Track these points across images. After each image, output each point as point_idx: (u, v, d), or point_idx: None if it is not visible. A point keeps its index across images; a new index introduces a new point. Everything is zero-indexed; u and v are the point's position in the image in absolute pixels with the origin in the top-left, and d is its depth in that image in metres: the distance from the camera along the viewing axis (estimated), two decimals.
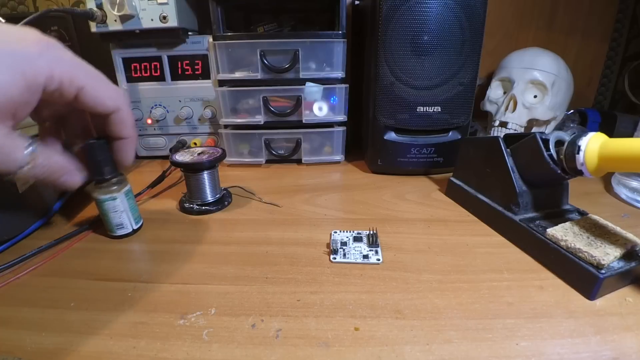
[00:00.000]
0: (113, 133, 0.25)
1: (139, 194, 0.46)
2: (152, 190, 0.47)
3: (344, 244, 0.35)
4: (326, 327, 0.25)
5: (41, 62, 0.18)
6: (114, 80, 0.58)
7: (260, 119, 0.55)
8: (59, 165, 0.23)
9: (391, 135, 0.51)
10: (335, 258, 0.33)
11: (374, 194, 0.48)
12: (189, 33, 0.56)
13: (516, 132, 0.55)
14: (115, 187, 0.34)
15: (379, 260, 0.32)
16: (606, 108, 0.77)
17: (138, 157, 0.60)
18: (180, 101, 0.59)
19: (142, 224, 0.38)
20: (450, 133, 0.52)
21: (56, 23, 0.56)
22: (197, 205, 0.42)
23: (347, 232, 0.37)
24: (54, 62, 0.19)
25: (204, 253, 0.34)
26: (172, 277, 0.31)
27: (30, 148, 0.21)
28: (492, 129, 0.58)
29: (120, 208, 0.35)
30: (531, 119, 0.56)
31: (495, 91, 0.60)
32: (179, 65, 0.57)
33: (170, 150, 0.59)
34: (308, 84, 0.53)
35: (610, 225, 0.32)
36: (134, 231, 0.37)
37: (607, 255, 0.27)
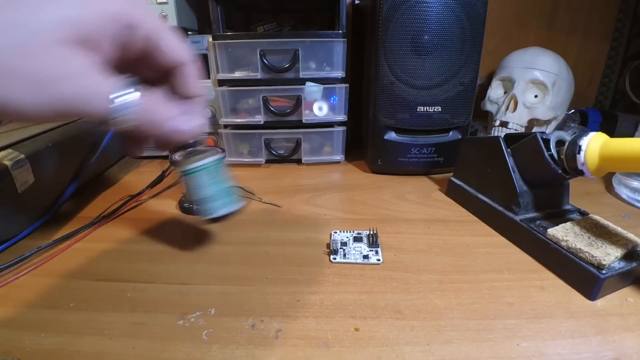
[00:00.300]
0: (179, 91, 0.23)
1: (139, 194, 0.46)
2: (152, 190, 0.47)
3: (344, 244, 0.35)
4: (326, 328, 0.25)
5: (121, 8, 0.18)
6: None
7: (260, 118, 0.55)
8: (159, 106, 0.20)
9: (391, 135, 0.51)
10: (335, 258, 0.33)
11: (374, 194, 0.48)
12: (189, 32, 0.56)
13: (517, 132, 0.55)
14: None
15: (379, 260, 0.32)
16: (607, 108, 0.77)
17: (137, 157, 0.60)
18: None
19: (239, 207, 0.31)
20: (450, 133, 0.52)
21: None
22: (197, 205, 0.42)
23: (347, 232, 0.37)
24: (134, 6, 0.18)
25: (203, 253, 0.34)
26: (172, 277, 0.31)
27: (127, 86, 0.18)
28: (493, 128, 0.58)
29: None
30: (532, 118, 0.56)
31: (495, 91, 0.60)
32: None
33: (170, 150, 0.58)
34: (308, 83, 0.53)
35: (611, 225, 0.32)
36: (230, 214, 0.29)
37: (608, 255, 0.27)
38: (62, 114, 0.17)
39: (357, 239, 0.36)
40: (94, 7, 0.17)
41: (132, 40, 0.19)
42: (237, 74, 0.53)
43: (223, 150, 0.31)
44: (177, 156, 0.28)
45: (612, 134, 0.45)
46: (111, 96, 0.18)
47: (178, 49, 0.21)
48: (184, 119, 0.21)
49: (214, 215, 0.29)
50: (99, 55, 0.18)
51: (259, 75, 0.53)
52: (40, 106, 0.16)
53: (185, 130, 0.21)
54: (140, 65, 0.21)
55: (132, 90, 0.18)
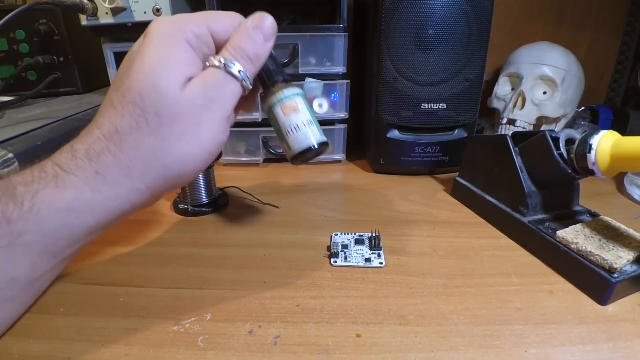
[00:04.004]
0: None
1: None
2: None
3: (345, 246, 0.35)
4: (327, 334, 0.25)
5: (175, 31, 0.21)
6: (105, 76, 0.58)
7: (257, 115, 0.55)
8: (246, 39, 0.24)
9: (394, 133, 0.51)
10: (336, 261, 0.33)
11: (376, 194, 0.48)
12: None
13: (525, 130, 0.55)
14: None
15: (381, 263, 0.32)
16: (618, 105, 0.77)
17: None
18: None
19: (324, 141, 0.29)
20: (455, 131, 0.52)
21: (45, 16, 0.56)
22: (192, 206, 0.42)
23: (348, 234, 0.37)
24: (181, 24, 0.22)
25: (199, 256, 0.34)
26: (166, 281, 0.31)
27: (219, 63, 0.22)
28: (500, 126, 0.58)
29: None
30: (540, 116, 0.56)
31: (502, 87, 0.60)
32: None
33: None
34: (308, 79, 0.53)
35: (622, 227, 0.32)
36: (324, 144, 0.29)
37: (620, 258, 0.27)
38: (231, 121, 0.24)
39: (359, 242, 0.36)
40: (175, 48, 0.21)
41: (205, 41, 0.23)
42: None
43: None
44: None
45: (623, 132, 0.45)
46: (231, 73, 0.22)
47: (229, 20, 0.24)
48: (258, 23, 0.25)
49: (322, 139, 0.28)
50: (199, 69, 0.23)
51: None
52: (215, 138, 0.23)
53: (269, 26, 0.25)
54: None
55: (221, 58, 0.22)
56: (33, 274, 0.20)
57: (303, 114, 0.28)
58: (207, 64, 0.22)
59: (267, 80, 0.28)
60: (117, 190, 0.20)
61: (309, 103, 0.56)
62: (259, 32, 0.24)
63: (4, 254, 0.19)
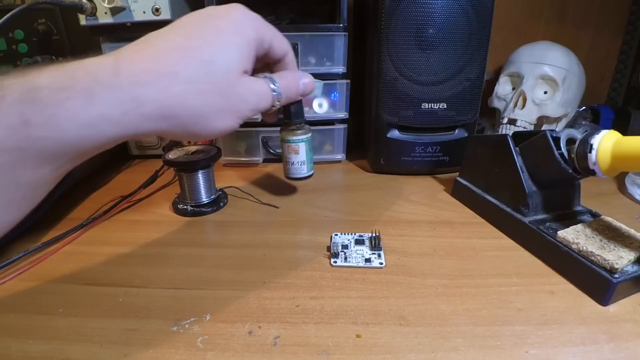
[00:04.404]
0: (284, 67, 0.31)
1: (131, 194, 0.45)
2: (144, 191, 0.47)
3: (345, 247, 0.35)
4: (327, 334, 0.25)
5: (250, 27, 0.25)
6: None
7: (257, 116, 0.55)
8: (292, 78, 0.30)
9: (394, 133, 0.51)
10: (336, 262, 0.33)
11: (376, 194, 0.48)
12: None
13: (525, 129, 0.55)
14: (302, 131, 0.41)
15: (381, 264, 0.32)
16: (620, 105, 0.77)
17: (130, 157, 0.60)
18: None
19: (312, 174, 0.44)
20: (456, 131, 0.52)
21: (44, 15, 0.56)
22: (192, 206, 0.42)
23: (348, 234, 0.37)
24: (258, 26, 0.25)
25: (198, 256, 0.34)
26: (165, 281, 0.31)
27: (267, 78, 0.27)
28: (501, 126, 0.57)
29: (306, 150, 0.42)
30: (541, 116, 0.56)
31: (503, 87, 0.60)
32: None
33: (163, 148, 0.58)
34: None
35: (624, 227, 0.32)
36: (309, 176, 0.43)
37: (621, 258, 0.27)
38: (244, 120, 0.26)
39: (359, 242, 0.36)
40: (244, 39, 0.24)
41: (263, 49, 0.27)
42: None
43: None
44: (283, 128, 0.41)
45: (625, 132, 0.45)
46: (272, 90, 0.27)
47: (284, 44, 0.29)
48: (304, 80, 0.31)
49: (309, 174, 0.43)
50: (251, 69, 0.26)
51: None
52: (232, 123, 0.25)
53: (309, 83, 0.31)
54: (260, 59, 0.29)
55: (272, 79, 0.27)
56: (39, 180, 0.19)
57: (301, 156, 0.42)
58: (263, 76, 0.27)
59: (289, 117, 0.37)
60: (142, 122, 0.21)
61: (310, 104, 0.57)
62: (303, 86, 0.30)
63: (17, 156, 0.18)
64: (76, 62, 0.20)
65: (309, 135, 0.42)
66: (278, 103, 0.28)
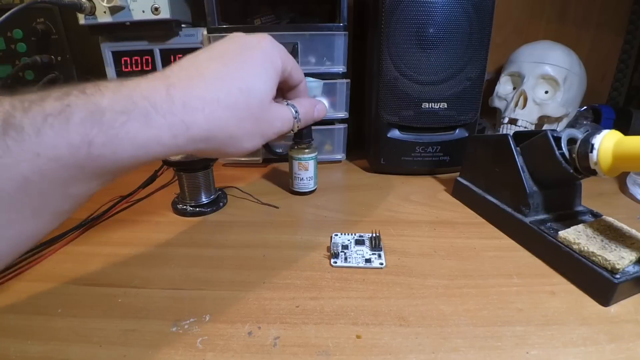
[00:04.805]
0: (298, 94, 0.33)
1: (130, 194, 0.46)
2: (144, 191, 0.47)
3: (345, 247, 0.35)
4: (326, 335, 0.25)
5: (277, 57, 0.27)
6: (103, 75, 0.58)
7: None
8: (309, 105, 0.32)
9: (395, 133, 0.51)
10: (336, 262, 0.33)
11: (376, 194, 0.48)
12: (182, 25, 0.56)
13: (526, 129, 0.55)
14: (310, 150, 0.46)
15: (382, 264, 0.32)
16: (621, 104, 0.77)
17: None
18: None
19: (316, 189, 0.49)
20: (457, 131, 0.52)
21: (42, 15, 0.56)
22: (191, 206, 0.42)
23: (348, 234, 0.37)
24: (282, 56, 0.28)
25: (197, 257, 0.34)
26: (165, 282, 0.31)
27: (290, 105, 0.30)
28: (501, 126, 0.58)
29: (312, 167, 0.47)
30: (542, 115, 0.56)
31: (504, 86, 0.60)
32: (172, 59, 0.57)
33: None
34: (307, 79, 0.53)
35: (625, 227, 0.32)
36: (314, 190, 0.48)
37: (622, 259, 0.27)
38: (266, 141, 0.28)
39: (359, 242, 0.36)
40: (274, 69, 0.27)
41: (284, 77, 0.29)
42: None
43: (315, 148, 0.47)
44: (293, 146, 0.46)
45: (626, 131, 0.45)
46: (294, 117, 0.30)
47: (301, 74, 0.32)
48: (318, 106, 0.33)
49: (315, 188, 0.48)
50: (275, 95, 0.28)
51: None
52: (257, 144, 0.27)
53: (323, 109, 0.34)
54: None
55: (294, 106, 0.30)
56: (87, 192, 0.20)
57: (310, 172, 0.46)
58: (286, 103, 0.30)
59: (301, 137, 0.44)
60: (187, 143, 0.22)
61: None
62: (317, 112, 0.33)
63: (75, 173, 0.19)
64: (131, 83, 0.21)
65: (316, 153, 0.46)
66: (297, 127, 0.31)
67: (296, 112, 0.30)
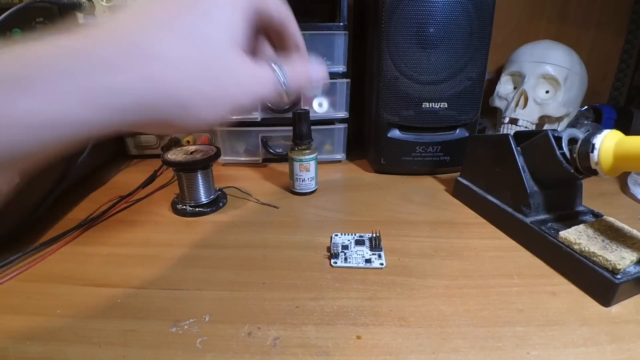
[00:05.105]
0: (288, 47, 0.25)
1: (129, 194, 0.46)
2: (143, 191, 0.47)
3: (345, 247, 0.35)
4: (327, 336, 0.25)
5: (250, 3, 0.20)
6: None
7: (256, 115, 0.55)
8: (302, 64, 0.24)
9: (395, 133, 0.51)
10: (336, 262, 0.33)
11: (376, 194, 0.48)
12: None
13: (527, 129, 0.55)
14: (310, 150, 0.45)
15: (382, 264, 0.32)
16: (622, 104, 0.77)
17: (128, 156, 0.60)
18: None
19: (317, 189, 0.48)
20: (457, 130, 0.52)
21: (41, 14, 0.56)
22: (191, 206, 0.42)
23: (348, 235, 0.37)
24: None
25: (197, 257, 0.34)
26: (164, 282, 0.31)
27: (274, 64, 0.22)
28: (502, 126, 0.57)
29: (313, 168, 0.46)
30: (543, 115, 0.56)
31: (504, 86, 0.60)
32: None
33: (162, 148, 0.58)
34: None
35: (626, 227, 0.32)
36: (315, 190, 0.48)
37: (623, 259, 0.27)
38: (239, 111, 0.21)
39: (359, 242, 0.36)
40: (240, 8, 0.20)
41: (263, 21, 0.22)
42: None
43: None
44: (295, 147, 0.45)
45: (627, 131, 0.45)
46: (278, 76, 0.21)
47: (292, 22, 0.24)
48: (315, 67, 0.24)
49: (315, 188, 0.48)
50: (247, 47, 0.21)
51: None
52: (223, 113, 0.19)
53: (321, 70, 0.25)
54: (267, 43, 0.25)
55: (277, 62, 0.22)
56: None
57: (311, 172, 0.46)
58: (267, 59, 0.22)
59: (301, 138, 0.44)
60: (115, 116, 0.17)
61: (309, 103, 0.57)
62: (313, 74, 0.24)
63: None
64: (33, 43, 0.15)
65: (317, 153, 0.46)
66: (285, 95, 0.23)
67: (281, 71, 0.22)
